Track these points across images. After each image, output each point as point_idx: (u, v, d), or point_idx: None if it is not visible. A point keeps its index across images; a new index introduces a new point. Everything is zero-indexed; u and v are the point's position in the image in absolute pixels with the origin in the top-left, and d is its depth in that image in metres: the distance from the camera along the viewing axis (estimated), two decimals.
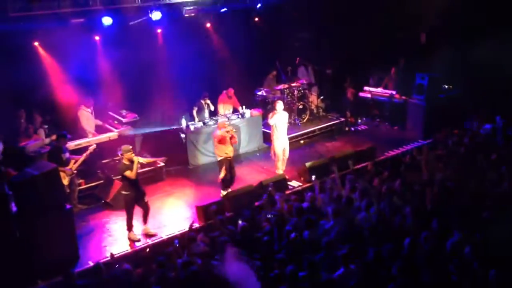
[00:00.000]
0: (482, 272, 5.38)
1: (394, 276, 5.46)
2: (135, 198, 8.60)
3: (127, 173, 8.35)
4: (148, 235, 8.74)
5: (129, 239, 8.69)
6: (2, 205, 7.25)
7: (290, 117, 12.24)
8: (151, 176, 11.01)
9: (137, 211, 8.82)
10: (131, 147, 8.68)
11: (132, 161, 8.39)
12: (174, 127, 12.10)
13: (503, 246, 5.78)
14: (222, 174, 9.97)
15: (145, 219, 8.85)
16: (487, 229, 6.24)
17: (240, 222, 7.61)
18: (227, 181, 10.08)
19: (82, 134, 10.94)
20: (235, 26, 13.94)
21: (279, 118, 10.59)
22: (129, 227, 8.73)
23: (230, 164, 10.06)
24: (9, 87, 10.41)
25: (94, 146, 9.94)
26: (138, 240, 8.65)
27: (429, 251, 5.86)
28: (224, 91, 12.88)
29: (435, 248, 5.91)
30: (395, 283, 5.34)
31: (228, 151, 9.93)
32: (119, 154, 9.07)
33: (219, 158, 10.02)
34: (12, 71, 10.37)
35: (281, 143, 10.68)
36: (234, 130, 10.27)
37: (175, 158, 11.71)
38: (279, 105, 10.68)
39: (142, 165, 8.97)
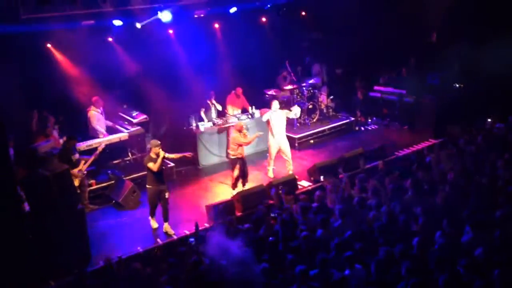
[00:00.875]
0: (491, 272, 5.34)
1: (403, 275, 5.43)
2: (157, 192, 8.80)
3: (150, 165, 8.57)
4: (167, 234, 8.89)
5: (152, 225, 9.06)
6: (14, 205, 7.31)
7: (300, 117, 12.23)
8: None
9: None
10: (159, 142, 8.80)
11: (158, 155, 8.57)
12: (184, 128, 12.17)
13: None
14: (236, 173, 10.07)
15: (165, 217, 8.98)
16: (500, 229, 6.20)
17: (246, 225, 7.61)
18: (240, 180, 10.15)
19: (93, 134, 11.01)
20: (244, 26, 13.96)
21: (273, 117, 10.65)
22: (152, 215, 9.06)
23: (243, 162, 10.12)
24: (21, 89, 10.52)
25: (103, 145, 10.01)
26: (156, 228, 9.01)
27: (440, 250, 5.82)
28: (233, 91, 12.91)
29: (446, 247, 5.86)
30: (405, 283, 5.31)
31: (241, 150, 10.02)
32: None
33: (232, 157, 10.06)
34: (25, 72, 10.49)
35: (275, 142, 10.73)
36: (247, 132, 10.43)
37: (185, 158, 11.74)
38: (275, 104, 10.80)
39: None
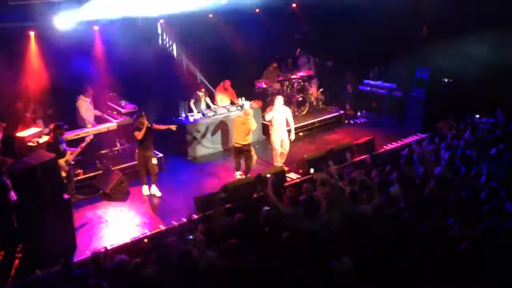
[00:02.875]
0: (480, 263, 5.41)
1: (391, 265, 5.47)
2: (143, 157, 9.91)
3: (136, 133, 9.69)
4: (154, 196, 9.93)
5: (143, 191, 10.02)
6: (0, 194, 7.24)
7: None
8: None
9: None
10: (144, 113, 9.93)
11: (143, 125, 9.67)
12: (173, 118, 12.11)
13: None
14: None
15: (153, 180, 10.04)
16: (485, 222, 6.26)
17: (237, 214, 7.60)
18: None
19: (81, 124, 10.91)
20: (235, 18, 13.89)
21: (276, 114, 10.58)
22: (143, 182, 10.07)
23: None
24: (8, 78, 10.38)
25: (91, 136, 9.94)
26: (148, 196, 9.95)
27: (427, 242, 5.86)
28: (221, 83, 12.87)
29: (434, 239, 5.91)
30: (392, 273, 5.36)
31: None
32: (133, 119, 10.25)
33: (246, 143, 10.28)
34: (11, 61, 10.34)
35: (277, 137, 10.68)
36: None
37: (173, 149, 11.72)
38: (278, 100, 10.67)
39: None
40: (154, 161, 9.96)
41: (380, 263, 5.66)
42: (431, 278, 5.38)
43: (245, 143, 10.25)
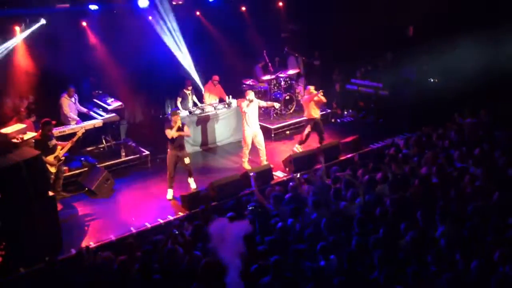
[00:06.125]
0: (463, 263, 5.48)
1: (376, 265, 5.52)
2: (175, 157, 9.48)
3: (167, 131, 9.30)
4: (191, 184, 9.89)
5: (168, 198, 9.57)
6: None
7: (277, 108, 12.24)
8: (137, 164, 11.03)
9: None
10: (179, 111, 10.21)
11: (175, 123, 9.34)
12: (160, 116, 12.09)
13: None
14: (306, 131, 11.35)
15: (190, 175, 9.85)
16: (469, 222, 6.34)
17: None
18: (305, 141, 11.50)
19: (64, 122, 10.85)
20: (223, 15, 13.88)
21: (249, 108, 10.59)
22: (170, 185, 9.62)
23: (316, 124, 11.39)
24: None
25: (83, 130, 9.89)
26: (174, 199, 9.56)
27: (410, 241, 5.92)
28: (210, 80, 12.84)
29: (416, 238, 5.97)
30: (377, 273, 5.40)
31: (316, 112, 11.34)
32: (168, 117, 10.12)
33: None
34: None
35: (251, 131, 10.67)
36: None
37: (160, 147, 11.68)
38: (251, 94, 10.66)
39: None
40: (187, 160, 9.58)
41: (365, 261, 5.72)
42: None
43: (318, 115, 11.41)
